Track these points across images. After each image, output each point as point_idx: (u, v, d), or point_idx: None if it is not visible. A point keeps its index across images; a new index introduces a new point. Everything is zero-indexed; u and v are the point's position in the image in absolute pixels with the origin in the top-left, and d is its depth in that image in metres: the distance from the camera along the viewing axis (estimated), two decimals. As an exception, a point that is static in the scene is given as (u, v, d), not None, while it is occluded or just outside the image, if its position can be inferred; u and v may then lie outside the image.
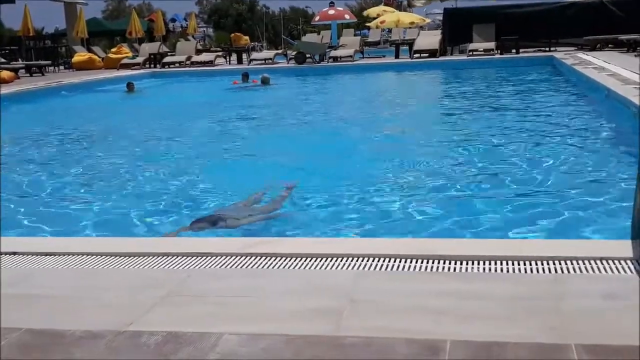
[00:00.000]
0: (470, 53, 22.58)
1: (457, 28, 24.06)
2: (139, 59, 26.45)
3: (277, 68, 23.30)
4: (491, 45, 22.43)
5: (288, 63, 25.11)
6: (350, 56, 24.40)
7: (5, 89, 17.64)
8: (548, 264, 3.18)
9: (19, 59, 29.00)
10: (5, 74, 20.45)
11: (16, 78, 21.24)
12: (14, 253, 3.69)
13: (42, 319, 2.77)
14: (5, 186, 7.31)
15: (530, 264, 3.19)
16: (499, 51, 22.47)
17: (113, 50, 28.84)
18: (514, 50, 22.46)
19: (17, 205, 6.38)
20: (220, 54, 29.71)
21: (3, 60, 25.40)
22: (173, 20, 52.46)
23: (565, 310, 2.65)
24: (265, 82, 18.39)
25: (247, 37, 34.08)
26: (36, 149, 10.07)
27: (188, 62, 25.79)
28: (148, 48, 27.66)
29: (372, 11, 34.26)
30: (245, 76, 18.89)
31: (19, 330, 2.64)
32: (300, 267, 3.32)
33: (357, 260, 3.35)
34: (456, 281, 3.07)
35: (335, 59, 24.50)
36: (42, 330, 2.66)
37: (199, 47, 30.79)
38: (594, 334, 2.41)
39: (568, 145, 7.97)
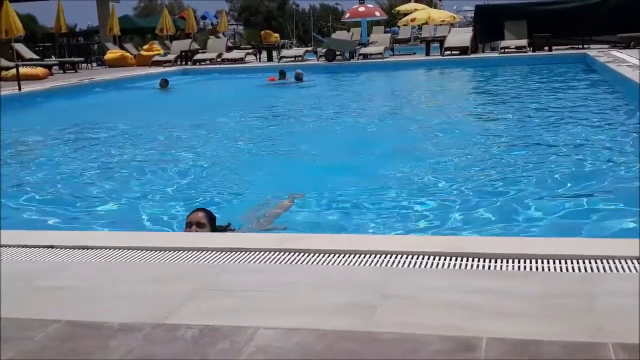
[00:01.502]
0: (502, 50, 22.42)
1: (488, 25, 23.91)
2: (171, 56, 26.67)
3: (307, 65, 23.33)
4: (523, 42, 22.24)
5: (318, 60, 25.16)
6: (381, 53, 24.36)
7: (39, 86, 17.91)
8: (579, 262, 3.15)
9: (52, 56, 29.41)
10: (39, 70, 20.75)
11: (50, 75, 21.54)
12: (51, 246, 3.75)
13: (80, 311, 2.81)
14: (40, 181, 7.45)
15: (566, 262, 3.16)
16: (531, 48, 22.26)
17: (145, 47, 29.12)
18: (546, 48, 22.24)
19: (51, 199, 6.48)
20: (250, 51, 29.84)
21: (37, 57, 25.76)
22: (204, 17, 52.76)
23: (600, 308, 2.63)
24: (298, 78, 18.43)
25: (277, 35, 34.18)
26: (70, 144, 10.21)
27: (219, 60, 25.96)
28: (179, 45, 27.88)
29: (402, 8, 34.10)
30: (283, 74, 18.92)
31: (58, 322, 2.69)
32: (332, 263, 3.33)
33: (388, 257, 3.35)
34: (488, 279, 3.06)
35: (365, 56, 24.48)
36: (81, 322, 2.70)
37: (230, 44, 30.95)
38: (630, 332, 2.39)
39: (601, 143, 7.89)
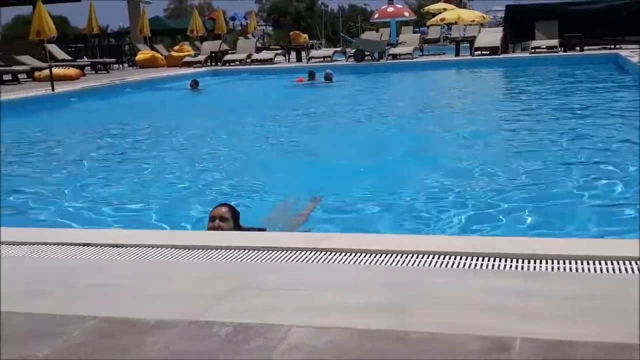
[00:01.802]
0: (533, 50, 22.24)
1: (519, 25, 23.75)
2: (201, 57, 26.87)
3: (336, 66, 23.34)
4: (554, 42, 22.05)
5: (347, 61, 25.16)
6: (410, 53, 24.30)
7: (72, 86, 18.16)
8: (614, 263, 3.13)
9: (85, 57, 29.78)
10: (72, 71, 21.05)
11: (82, 75, 21.84)
12: (87, 244, 3.82)
13: (116, 308, 2.86)
14: (74, 180, 7.56)
15: (600, 263, 3.14)
16: (562, 49, 22.05)
17: (175, 48, 29.37)
18: (577, 48, 22.01)
19: (87, 198, 6.59)
20: (279, 52, 29.94)
21: (69, 57, 26.11)
22: (233, 18, 53.01)
23: (634, 310, 2.61)
24: (328, 78, 18.45)
25: (305, 35, 34.24)
26: (103, 143, 10.35)
27: (248, 60, 26.09)
28: (209, 46, 28.08)
29: (431, 8, 33.98)
30: (312, 74, 18.94)
31: (95, 318, 2.74)
32: (363, 262, 3.36)
33: (420, 257, 3.37)
34: (520, 279, 3.06)
35: (394, 56, 24.44)
36: (117, 318, 2.75)
37: (259, 45, 31.09)
38: (666, 335, 2.37)
39: (635, 143, 7.80)
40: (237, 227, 4.66)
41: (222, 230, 4.47)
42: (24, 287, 3.18)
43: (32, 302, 2.95)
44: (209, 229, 4.54)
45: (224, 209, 4.68)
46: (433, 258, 3.33)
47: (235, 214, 4.70)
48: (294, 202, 6.07)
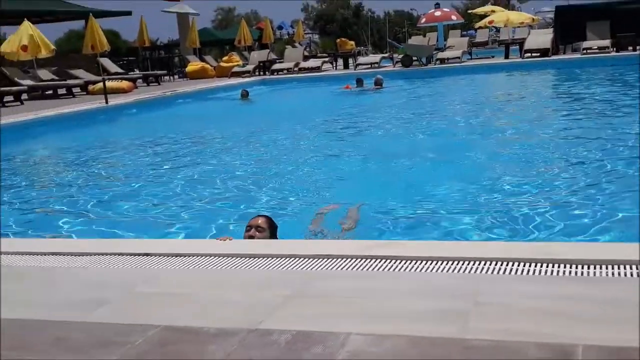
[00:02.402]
0: (584, 51, 21.86)
1: (569, 26, 23.40)
2: (249, 67, 27.14)
3: (383, 72, 23.30)
4: (606, 42, 21.65)
5: (394, 66, 25.09)
6: (458, 57, 24.13)
7: (125, 99, 18.52)
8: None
9: (136, 69, 30.38)
10: (125, 84, 21.47)
11: (134, 88, 22.26)
12: (147, 254, 3.89)
13: (177, 317, 2.90)
14: (131, 190, 7.71)
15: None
16: (614, 49, 21.62)
17: (224, 59, 29.71)
18: (630, 48, 21.55)
19: (142, 208, 6.71)
20: (326, 59, 30.04)
21: (121, 70, 26.66)
22: (280, 27, 53.52)
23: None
24: (378, 83, 18.41)
25: (352, 42, 34.28)
26: (157, 155, 10.52)
27: (296, 69, 26.23)
28: (257, 56, 28.34)
29: (479, 10, 33.67)
30: (360, 81, 18.91)
31: (157, 327, 2.78)
32: (419, 269, 3.34)
33: (476, 264, 3.34)
34: (579, 285, 3.01)
35: (442, 60, 24.28)
36: (178, 327, 2.78)
37: (306, 53, 31.25)
38: None
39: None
40: (274, 238, 4.68)
41: (256, 239, 4.50)
42: (85, 296, 3.25)
43: (93, 312, 3.01)
44: (245, 237, 4.58)
45: (261, 220, 4.73)
46: (493, 265, 3.30)
47: (272, 225, 4.74)
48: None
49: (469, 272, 3.26)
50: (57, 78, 22.64)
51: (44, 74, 22.20)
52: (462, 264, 3.35)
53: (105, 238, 5.52)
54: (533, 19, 28.12)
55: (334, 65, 29.52)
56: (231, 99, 18.93)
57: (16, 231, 6.25)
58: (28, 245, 4.60)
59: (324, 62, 28.62)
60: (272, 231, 4.69)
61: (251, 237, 4.54)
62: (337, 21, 69.94)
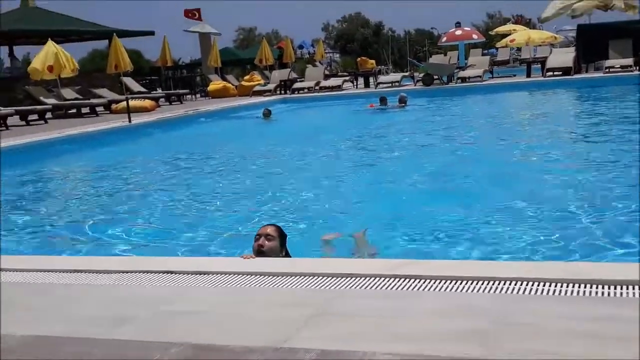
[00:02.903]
0: (607, 70, 21.73)
1: (591, 44, 23.28)
2: (270, 86, 27.28)
3: (404, 90, 23.30)
4: (629, 61, 21.51)
5: (415, 85, 25.09)
6: (480, 76, 24.08)
7: (147, 117, 18.67)
8: None
9: (158, 88, 30.65)
10: (148, 103, 21.66)
11: (157, 106, 22.43)
12: (171, 272, 3.90)
13: (202, 335, 2.90)
14: (155, 208, 7.75)
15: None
16: (637, 67, 21.49)
17: (246, 78, 29.91)
18: (653, 66, 21.42)
19: (166, 226, 6.73)
20: (347, 78, 30.12)
21: (144, 89, 26.91)
22: (301, 47, 53.82)
23: None
24: (402, 101, 18.41)
25: (373, 61, 34.34)
26: (182, 172, 10.59)
27: (317, 87, 26.31)
28: (278, 75, 28.49)
29: (501, 29, 33.63)
30: (383, 100, 18.90)
31: (181, 345, 2.78)
32: (445, 288, 3.31)
33: (502, 283, 3.31)
34: (611, 306, 2.96)
35: (463, 79, 24.25)
36: (203, 345, 2.78)
37: (326, 72, 31.36)
38: None
39: None
40: (284, 248, 4.64)
41: (265, 248, 4.46)
42: (108, 314, 3.26)
43: (116, 329, 3.02)
44: (254, 247, 4.53)
45: (270, 228, 4.68)
46: (521, 285, 3.26)
47: (282, 234, 4.68)
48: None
49: (493, 291, 3.22)
50: (80, 97, 22.89)
51: (68, 93, 22.45)
52: (487, 283, 3.31)
53: (129, 256, 5.55)
54: (555, 37, 28.03)
55: (355, 84, 29.59)
56: (253, 118, 19.01)
57: (39, 248, 6.31)
58: (51, 262, 4.62)
59: (345, 80, 28.70)
60: (281, 240, 4.63)
61: (260, 245, 4.49)
62: (357, 40, 70.16)
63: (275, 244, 4.54)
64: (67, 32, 29.06)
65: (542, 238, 5.42)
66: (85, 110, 21.61)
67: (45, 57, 19.78)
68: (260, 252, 4.45)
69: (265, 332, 2.86)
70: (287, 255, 4.64)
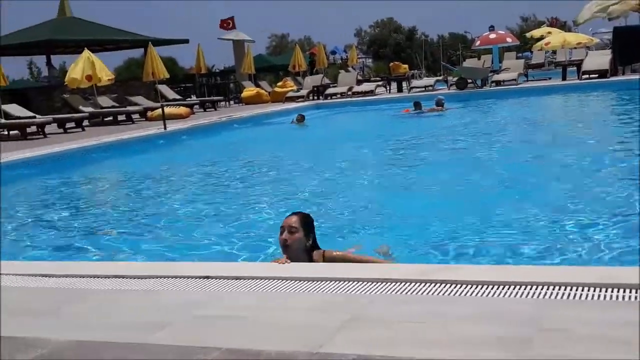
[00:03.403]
0: (644, 72, 21.41)
1: (628, 47, 22.92)
2: (303, 92, 27.37)
3: (438, 94, 23.17)
4: (667, 62, 21.16)
5: (449, 89, 24.96)
6: (514, 79, 23.87)
7: (182, 124, 18.85)
8: None
9: (193, 95, 30.94)
10: (182, 110, 21.87)
11: (192, 113, 22.64)
12: (207, 277, 3.94)
13: (238, 339, 2.93)
14: (190, 213, 7.83)
15: None
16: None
17: (279, 84, 30.03)
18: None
19: (207, 231, 6.79)
20: (380, 83, 30.09)
21: (179, 97, 27.18)
22: (333, 52, 53.87)
23: None
24: (439, 104, 18.29)
25: (405, 66, 34.29)
26: (217, 178, 10.66)
27: (349, 93, 26.33)
28: (311, 81, 28.58)
29: (535, 32, 33.29)
30: (418, 104, 18.79)
31: (219, 349, 2.80)
32: (480, 294, 3.30)
33: (538, 288, 3.28)
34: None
35: (498, 83, 24.06)
36: (239, 349, 2.80)
37: (359, 77, 31.38)
38: None
39: None
40: (310, 237, 4.51)
41: (289, 242, 4.38)
42: (144, 319, 3.30)
43: (153, 334, 3.05)
44: (280, 241, 4.43)
45: (293, 218, 4.51)
46: (556, 289, 3.24)
47: (307, 223, 4.53)
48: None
49: (528, 297, 3.20)
50: (116, 105, 23.21)
51: (104, 100, 22.79)
52: (522, 289, 3.30)
53: (165, 261, 5.61)
54: (591, 40, 27.68)
55: (388, 88, 29.54)
56: (286, 123, 19.06)
57: (75, 254, 6.41)
58: (87, 268, 4.70)
59: (378, 85, 28.67)
60: (306, 230, 4.47)
61: (284, 240, 4.40)
62: (390, 45, 70.08)
63: (299, 235, 4.42)
64: (104, 41, 29.51)
65: (587, 242, 5.36)
66: (121, 117, 21.89)
67: (84, 66, 20.11)
68: (285, 247, 4.40)
69: (300, 337, 2.88)
70: (314, 243, 4.53)
